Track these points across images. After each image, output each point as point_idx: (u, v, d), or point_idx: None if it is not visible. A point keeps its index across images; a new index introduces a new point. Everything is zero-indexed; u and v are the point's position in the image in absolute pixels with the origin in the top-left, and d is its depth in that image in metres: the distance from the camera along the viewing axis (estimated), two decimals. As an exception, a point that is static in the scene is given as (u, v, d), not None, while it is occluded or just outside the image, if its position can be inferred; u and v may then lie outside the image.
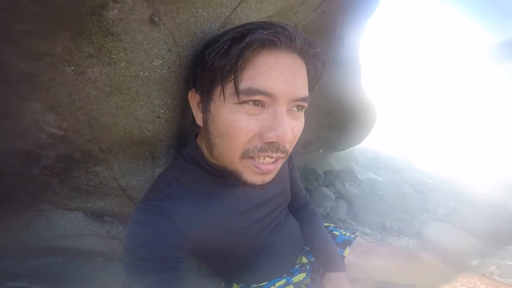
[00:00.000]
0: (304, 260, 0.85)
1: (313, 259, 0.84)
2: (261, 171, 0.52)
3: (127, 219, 0.78)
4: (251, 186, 0.54)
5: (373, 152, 2.99)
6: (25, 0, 0.41)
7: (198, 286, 0.88)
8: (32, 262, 0.88)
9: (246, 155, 0.50)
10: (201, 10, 0.54)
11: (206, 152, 0.60)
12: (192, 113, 0.59)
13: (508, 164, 2.64)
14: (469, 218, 1.75)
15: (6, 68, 0.47)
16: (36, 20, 0.43)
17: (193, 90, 0.56)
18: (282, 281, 0.78)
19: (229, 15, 0.61)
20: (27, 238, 0.85)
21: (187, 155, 0.64)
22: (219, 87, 0.49)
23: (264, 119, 0.48)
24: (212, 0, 0.55)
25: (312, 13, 1.01)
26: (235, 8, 0.61)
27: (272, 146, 0.49)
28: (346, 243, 0.88)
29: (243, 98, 0.47)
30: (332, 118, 1.61)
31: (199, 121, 0.57)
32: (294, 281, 0.79)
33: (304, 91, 0.52)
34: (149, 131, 0.65)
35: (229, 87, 0.48)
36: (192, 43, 0.57)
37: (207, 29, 0.59)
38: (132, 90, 0.55)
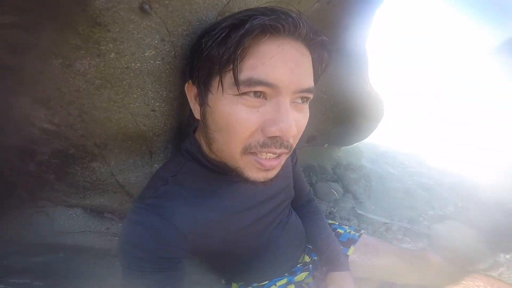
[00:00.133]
0: (307, 259, 0.83)
1: (316, 258, 0.82)
2: (264, 167, 0.48)
3: (127, 216, 0.77)
4: (254, 183, 0.50)
5: (379, 147, 2.95)
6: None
7: (198, 284, 0.86)
8: (34, 258, 0.87)
9: (248, 151, 0.47)
10: (196, -3, 0.51)
11: (205, 147, 0.57)
12: (190, 107, 0.56)
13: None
14: (477, 216, 1.72)
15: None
16: (20, 12, 0.41)
17: (190, 81, 0.53)
18: (284, 280, 0.76)
19: (227, 3, 0.58)
20: (28, 235, 0.85)
21: (185, 150, 0.61)
22: (217, 78, 0.45)
23: (266, 112, 0.45)
24: (207, -14, 0.52)
25: (317, 3, 0.97)
26: (233, -5, 0.58)
27: (275, 141, 0.46)
28: (351, 241, 0.85)
29: (243, 89, 0.43)
30: (338, 112, 1.57)
31: (197, 114, 0.54)
32: (295, 280, 0.77)
33: (309, 82, 0.49)
34: (144, 125, 0.62)
35: (228, 78, 0.44)
36: (187, 32, 0.54)
37: (204, 18, 0.56)
38: (124, 83, 0.53)
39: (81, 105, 0.53)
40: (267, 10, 0.44)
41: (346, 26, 1.25)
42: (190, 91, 0.54)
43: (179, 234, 0.53)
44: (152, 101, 0.59)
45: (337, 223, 0.95)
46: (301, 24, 0.45)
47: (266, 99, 0.45)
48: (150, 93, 0.57)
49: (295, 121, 0.46)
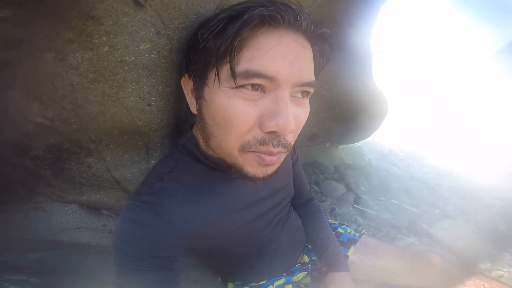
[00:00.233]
0: (306, 258, 0.81)
1: (315, 258, 0.80)
2: (264, 161, 0.46)
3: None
4: (252, 179, 0.49)
5: (380, 146, 2.93)
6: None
7: (194, 283, 0.85)
8: (31, 255, 0.87)
9: (246, 149, 0.45)
10: (192, -11, 0.50)
11: (202, 144, 0.56)
12: (187, 101, 0.54)
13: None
14: (477, 216, 1.71)
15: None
16: (12, 6, 0.40)
17: (186, 75, 0.52)
18: (281, 280, 0.75)
19: (226, -4, 0.56)
20: (26, 231, 0.85)
21: (182, 146, 0.60)
22: (214, 71, 0.44)
23: (264, 105, 0.43)
24: (204, -22, 0.50)
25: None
26: (231, -13, 0.56)
27: (273, 137, 0.44)
28: (351, 242, 0.84)
29: (240, 81, 0.42)
30: (341, 110, 1.54)
31: (193, 109, 0.52)
32: (293, 280, 0.75)
33: (310, 75, 0.47)
34: (140, 120, 0.61)
35: (225, 70, 0.43)
36: (184, 25, 0.53)
37: (201, 10, 0.54)
38: (118, 76, 0.51)
39: (74, 99, 0.52)
40: (266, 1, 0.42)
41: (350, 23, 1.23)
42: (187, 85, 0.53)
43: (175, 232, 0.52)
44: (148, 96, 0.58)
45: (337, 223, 0.94)
46: (302, 16, 0.43)
47: (264, 92, 0.44)
48: (145, 87, 0.56)
49: (294, 115, 0.45)
